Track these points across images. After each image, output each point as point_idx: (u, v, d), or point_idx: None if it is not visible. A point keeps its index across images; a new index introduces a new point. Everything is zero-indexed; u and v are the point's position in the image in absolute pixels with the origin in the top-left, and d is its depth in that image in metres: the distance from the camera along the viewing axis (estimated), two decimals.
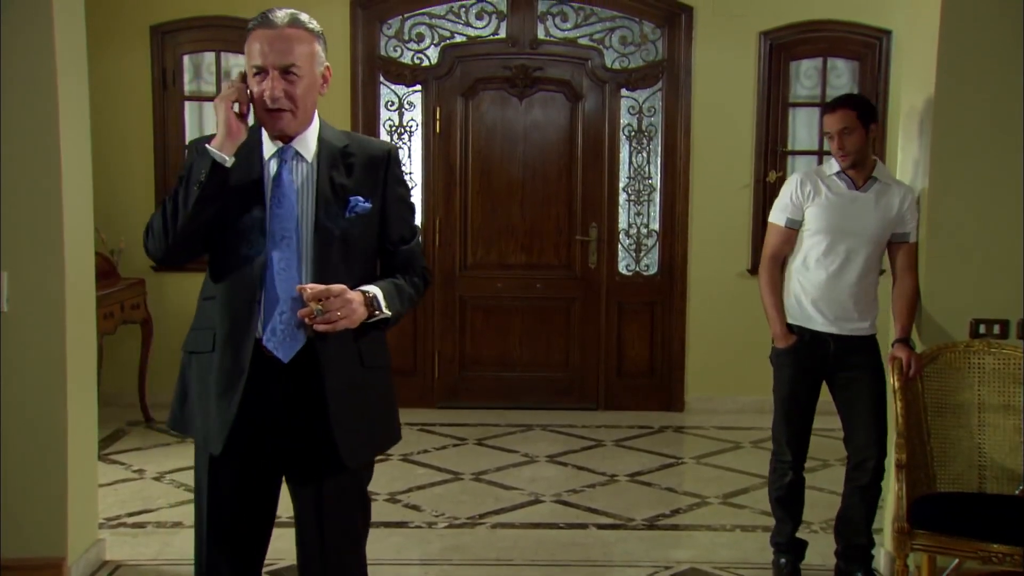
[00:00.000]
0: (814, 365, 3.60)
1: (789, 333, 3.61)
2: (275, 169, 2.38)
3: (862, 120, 3.48)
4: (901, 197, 3.54)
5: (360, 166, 2.43)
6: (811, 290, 3.57)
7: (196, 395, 2.43)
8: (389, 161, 2.48)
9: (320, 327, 2.26)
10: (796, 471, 3.72)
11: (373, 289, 2.36)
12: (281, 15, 2.31)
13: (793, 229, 3.62)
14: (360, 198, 2.40)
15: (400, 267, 2.50)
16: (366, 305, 2.32)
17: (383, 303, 2.35)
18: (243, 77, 2.33)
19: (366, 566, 2.57)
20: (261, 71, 2.29)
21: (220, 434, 2.35)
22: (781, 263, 3.69)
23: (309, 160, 2.40)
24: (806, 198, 3.57)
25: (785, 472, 3.73)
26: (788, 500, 3.75)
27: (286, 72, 2.29)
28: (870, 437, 3.56)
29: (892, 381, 3.44)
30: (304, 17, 2.35)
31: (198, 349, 2.43)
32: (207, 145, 2.30)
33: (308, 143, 2.40)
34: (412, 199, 2.60)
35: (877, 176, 3.55)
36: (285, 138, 2.37)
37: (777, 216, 3.65)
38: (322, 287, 2.25)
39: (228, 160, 2.29)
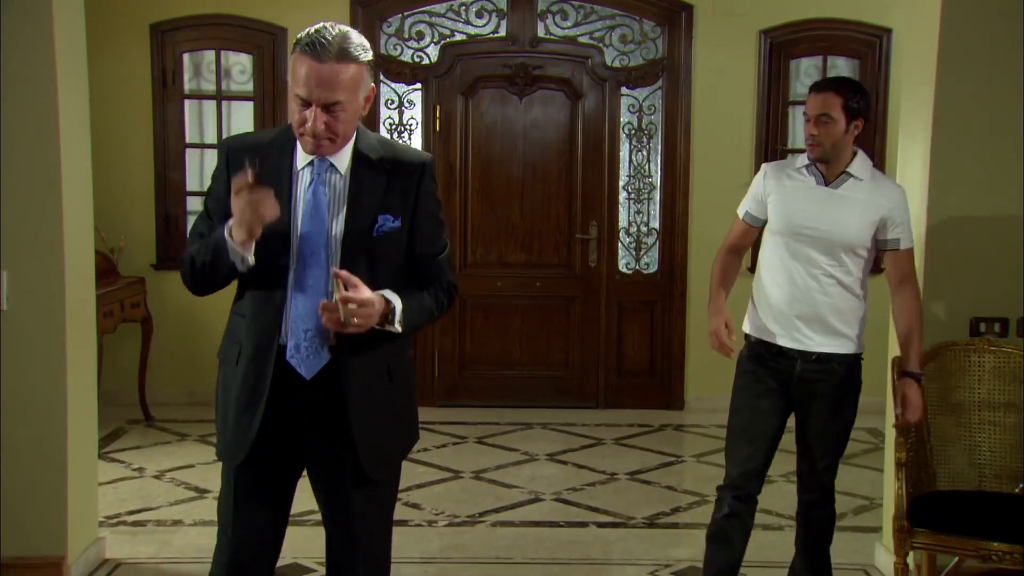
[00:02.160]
0: (777, 382, 3.18)
1: (720, 311, 3.21)
2: (307, 181, 2.35)
3: (847, 111, 3.03)
4: (887, 197, 3.09)
5: (393, 179, 2.38)
6: (769, 298, 3.18)
7: (220, 405, 2.45)
8: (423, 175, 2.42)
9: (334, 326, 2.24)
10: (736, 503, 3.18)
11: (396, 301, 2.32)
12: (331, 42, 2.22)
13: (752, 225, 3.27)
14: (389, 216, 2.36)
15: (426, 280, 2.46)
16: (382, 315, 2.30)
17: (398, 318, 2.32)
18: (255, 176, 2.21)
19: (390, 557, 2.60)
20: (305, 102, 2.25)
21: (241, 448, 2.38)
22: (740, 255, 3.37)
23: (342, 172, 2.36)
24: (768, 192, 3.19)
25: (722, 503, 3.21)
26: (717, 538, 3.21)
27: (330, 107, 2.25)
28: (816, 477, 3.22)
29: (894, 417, 3.22)
30: (354, 43, 2.26)
31: (225, 360, 2.45)
32: (228, 238, 2.25)
33: (343, 155, 2.36)
34: (442, 214, 2.54)
35: (852, 172, 3.10)
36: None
37: (740, 208, 3.31)
38: (363, 295, 2.23)
39: (250, 262, 2.28)
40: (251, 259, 2.28)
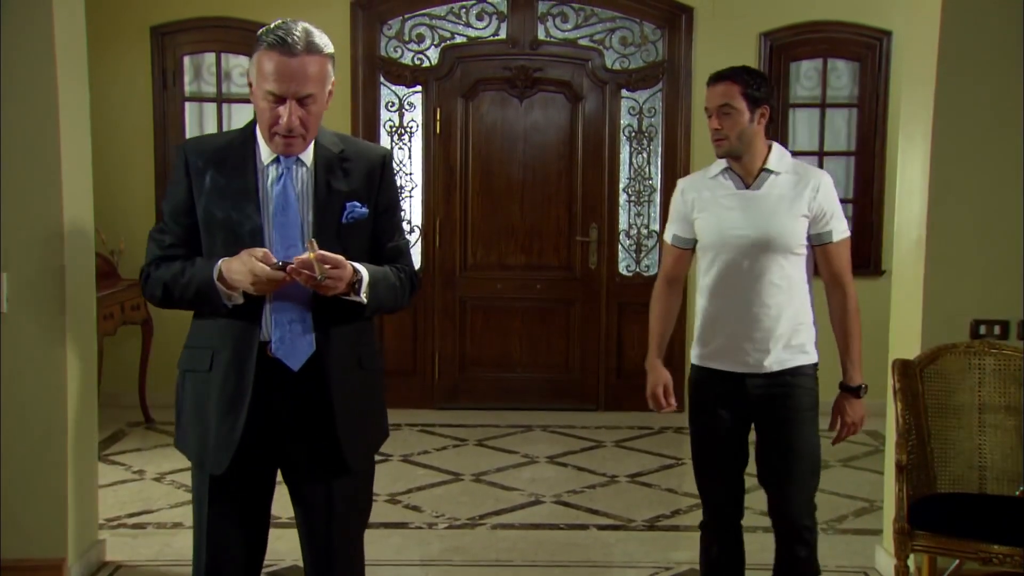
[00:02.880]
0: (730, 408, 2.96)
1: (656, 368, 3.07)
2: (275, 176, 2.37)
3: (748, 99, 2.84)
4: (812, 187, 2.87)
5: (357, 171, 2.44)
6: (709, 321, 2.98)
7: (191, 414, 2.42)
8: (384, 166, 2.50)
9: (306, 283, 2.25)
10: (720, 542, 3.02)
11: (363, 272, 2.35)
12: (298, 37, 2.25)
13: (682, 248, 3.06)
14: (357, 203, 2.41)
15: (388, 264, 2.51)
16: (348, 283, 2.32)
17: (364, 289, 2.35)
18: (284, 268, 2.24)
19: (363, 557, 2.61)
20: (278, 98, 2.27)
21: (223, 454, 2.36)
22: (678, 286, 3.17)
23: (308, 165, 2.40)
24: (690, 208, 2.98)
25: (707, 543, 3.06)
26: None
27: (302, 100, 2.28)
28: (790, 505, 2.92)
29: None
30: (317, 37, 2.30)
31: (194, 368, 2.42)
32: (218, 283, 2.29)
33: (307, 149, 2.40)
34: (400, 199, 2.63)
35: (770, 167, 2.90)
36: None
37: (666, 233, 3.12)
38: (336, 256, 2.27)
39: (239, 301, 2.31)
40: (241, 299, 2.31)
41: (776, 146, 2.95)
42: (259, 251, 2.25)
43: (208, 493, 2.42)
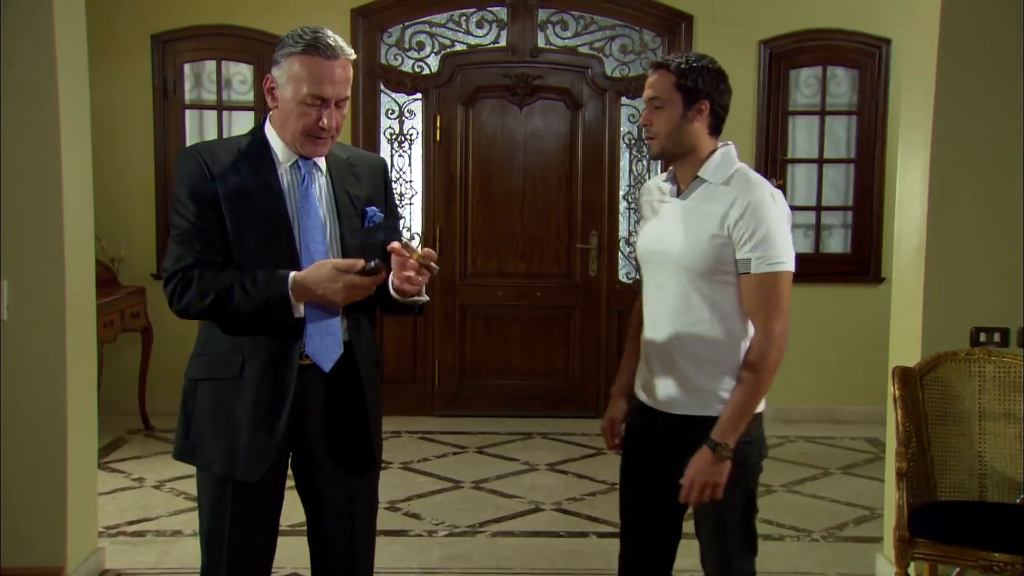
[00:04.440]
0: (648, 442, 2.57)
1: (614, 399, 2.68)
2: (296, 181, 2.40)
3: (682, 91, 2.43)
4: (728, 203, 2.41)
5: (365, 177, 2.50)
6: (642, 343, 2.61)
7: (211, 423, 2.40)
8: (386, 172, 2.59)
9: (417, 282, 2.30)
10: None
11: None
12: (333, 42, 2.32)
13: None
14: (375, 208, 2.47)
15: None
16: None
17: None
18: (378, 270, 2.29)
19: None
20: (323, 101, 2.31)
21: (259, 461, 2.36)
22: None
23: (323, 171, 2.44)
24: (639, 212, 2.71)
25: None
26: None
27: (340, 103, 2.34)
28: (706, 570, 2.60)
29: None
30: (343, 42, 2.38)
31: (214, 376, 2.41)
32: (290, 294, 2.28)
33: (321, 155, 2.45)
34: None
35: (703, 175, 2.48)
36: (300, 152, 2.41)
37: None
38: (434, 253, 2.32)
39: (301, 314, 2.32)
40: (302, 312, 2.32)
41: (722, 151, 2.51)
42: (340, 263, 2.29)
43: (232, 502, 2.40)
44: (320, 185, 2.42)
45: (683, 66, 2.45)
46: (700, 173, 2.48)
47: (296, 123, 2.33)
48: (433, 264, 2.31)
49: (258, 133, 2.44)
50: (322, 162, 2.44)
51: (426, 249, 2.31)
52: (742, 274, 2.41)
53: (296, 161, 2.39)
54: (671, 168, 2.56)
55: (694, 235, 2.44)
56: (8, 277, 3.45)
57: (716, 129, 2.51)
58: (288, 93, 2.33)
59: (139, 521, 4.43)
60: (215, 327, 2.41)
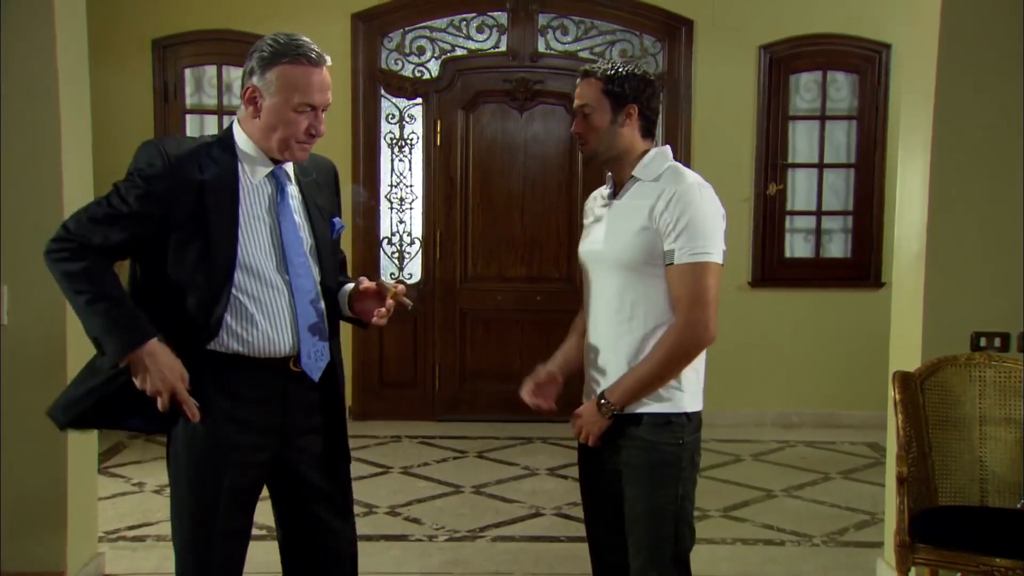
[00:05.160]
0: (605, 458, 2.55)
1: (538, 370, 2.69)
2: (273, 190, 2.37)
3: (610, 96, 2.47)
4: (655, 195, 2.43)
5: (323, 184, 2.51)
6: (584, 354, 2.63)
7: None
8: (337, 176, 2.59)
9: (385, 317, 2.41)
10: None
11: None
12: (317, 50, 2.33)
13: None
14: (339, 220, 2.52)
15: (342, 272, 2.61)
16: None
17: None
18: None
19: None
20: (312, 108, 2.32)
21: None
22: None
23: (292, 180, 2.43)
24: (584, 223, 2.71)
25: None
26: None
27: (323, 110, 2.36)
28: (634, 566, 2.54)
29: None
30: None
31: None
32: (129, 353, 2.23)
33: (289, 164, 2.42)
34: None
35: (636, 173, 2.50)
36: (274, 160, 2.37)
37: None
38: (403, 287, 2.42)
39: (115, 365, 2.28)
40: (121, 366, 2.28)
41: (657, 151, 2.53)
42: (185, 375, 2.25)
43: (223, 508, 2.37)
44: (294, 196, 2.41)
45: (609, 73, 2.49)
46: (634, 172, 2.51)
47: (286, 131, 2.31)
48: (406, 300, 2.38)
49: (227, 141, 2.37)
50: (291, 171, 2.42)
51: (399, 286, 2.37)
52: (667, 265, 2.42)
53: (272, 171, 2.37)
54: (609, 174, 2.58)
55: (624, 230, 2.46)
56: (8, 281, 3.45)
57: (648, 132, 2.54)
58: (277, 102, 2.29)
59: (139, 526, 4.42)
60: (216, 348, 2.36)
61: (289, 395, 2.38)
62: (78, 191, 3.61)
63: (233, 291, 2.29)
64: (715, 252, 2.41)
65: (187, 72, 6.26)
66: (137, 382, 2.25)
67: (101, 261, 2.29)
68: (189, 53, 6.23)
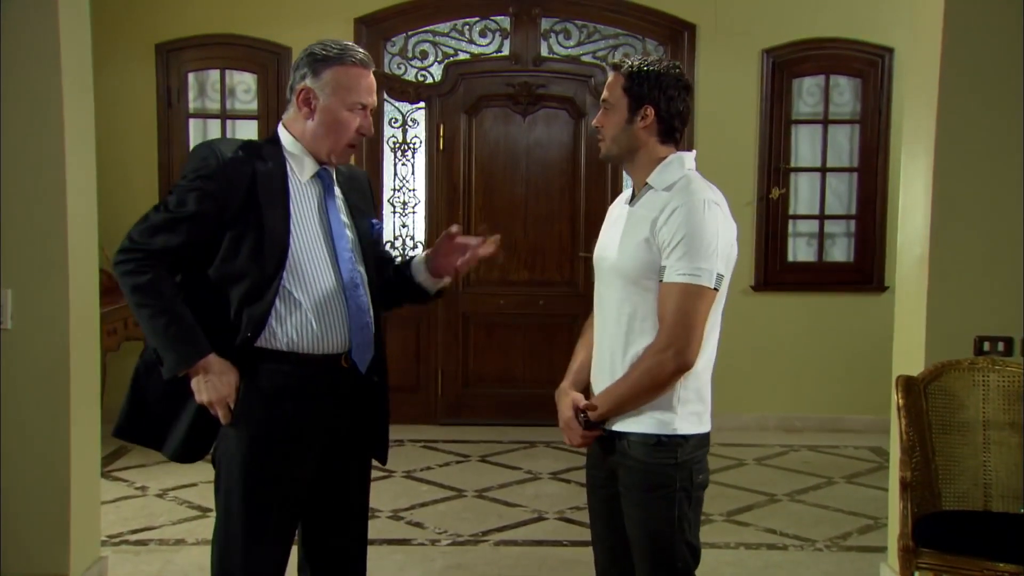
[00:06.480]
0: (596, 460, 2.51)
1: (565, 397, 2.50)
2: (321, 190, 2.46)
3: (629, 95, 2.36)
4: (659, 208, 2.32)
5: (358, 189, 2.59)
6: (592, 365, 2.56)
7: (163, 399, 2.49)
8: (371, 183, 2.70)
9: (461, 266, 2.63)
10: None
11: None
12: (365, 53, 2.43)
13: None
14: (376, 220, 2.60)
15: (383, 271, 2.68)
16: None
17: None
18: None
19: None
20: (364, 108, 2.42)
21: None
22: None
23: (336, 183, 2.53)
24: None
25: None
26: None
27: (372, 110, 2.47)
28: None
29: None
30: None
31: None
32: (184, 368, 2.36)
33: (330, 167, 2.51)
34: None
35: (650, 182, 2.39)
36: (320, 162, 2.46)
37: None
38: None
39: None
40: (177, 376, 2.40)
41: (675, 158, 2.41)
42: (236, 383, 2.34)
43: (277, 503, 2.41)
44: (338, 196, 2.51)
45: (632, 70, 2.37)
46: (648, 180, 2.39)
47: (340, 130, 2.40)
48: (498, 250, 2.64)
49: (275, 143, 2.47)
50: (332, 173, 2.52)
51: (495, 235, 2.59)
52: (660, 281, 2.31)
53: (318, 172, 2.46)
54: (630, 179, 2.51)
55: (629, 240, 2.36)
56: (12, 286, 3.45)
57: (668, 136, 2.41)
58: (332, 102, 2.38)
59: (142, 530, 4.42)
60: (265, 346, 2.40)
61: (340, 390, 2.44)
62: (82, 196, 3.62)
63: (285, 285, 2.34)
64: (706, 276, 2.27)
65: (190, 76, 6.26)
66: (194, 392, 2.37)
67: (165, 271, 2.35)
68: (192, 57, 6.23)
